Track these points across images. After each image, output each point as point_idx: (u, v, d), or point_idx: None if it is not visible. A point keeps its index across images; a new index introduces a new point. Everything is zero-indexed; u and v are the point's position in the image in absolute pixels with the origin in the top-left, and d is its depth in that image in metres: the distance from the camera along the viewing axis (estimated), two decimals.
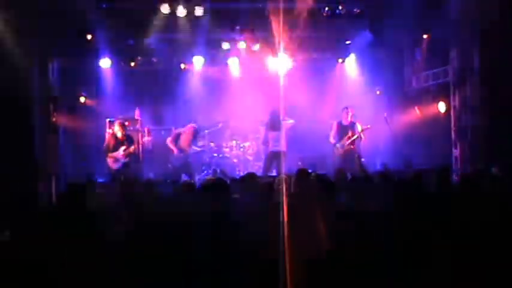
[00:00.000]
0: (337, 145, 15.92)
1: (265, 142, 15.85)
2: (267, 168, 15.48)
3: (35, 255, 5.94)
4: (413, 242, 5.38)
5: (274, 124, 15.66)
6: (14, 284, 5.68)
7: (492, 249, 5.40)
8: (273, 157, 15.56)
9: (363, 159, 15.35)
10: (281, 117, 15.58)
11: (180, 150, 15.95)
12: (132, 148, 15.15)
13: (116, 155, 14.96)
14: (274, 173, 14.89)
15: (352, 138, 15.83)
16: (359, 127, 15.87)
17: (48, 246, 6.27)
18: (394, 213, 5.67)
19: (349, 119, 16.01)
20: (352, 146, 15.90)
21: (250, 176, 9.70)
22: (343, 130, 16.01)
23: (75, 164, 17.03)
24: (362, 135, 15.81)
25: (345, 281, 5.46)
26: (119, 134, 15.06)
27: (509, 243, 5.56)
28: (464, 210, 6.08)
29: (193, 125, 16.44)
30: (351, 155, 15.71)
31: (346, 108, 16.16)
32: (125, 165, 15.03)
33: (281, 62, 18.26)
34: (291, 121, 15.89)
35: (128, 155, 15.05)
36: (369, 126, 15.96)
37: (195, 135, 16.35)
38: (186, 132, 16.20)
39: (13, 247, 6.21)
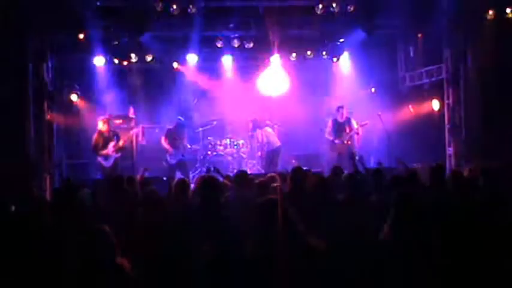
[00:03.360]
0: (336, 141, 16.10)
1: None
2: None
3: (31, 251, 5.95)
4: (410, 240, 5.40)
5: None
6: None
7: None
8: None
9: (357, 157, 15.45)
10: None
11: (175, 149, 15.99)
12: (121, 142, 15.19)
13: (106, 152, 15.00)
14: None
15: (350, 134, 16.14)
16: (354, 123, 16.18)
17: (43, 242, 6.28)
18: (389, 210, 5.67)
19: (344, 115, 16.28)
20: (349, 142, 16.08)
21: (242, 174, 9.72)
22: (340, 126, 16.33)
23: (69, 161, 17.01)
24: (359, 131, 16.04)
25: (340, 278, 5.48)
26: (104, 130, 15.12)
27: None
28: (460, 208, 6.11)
29: (180, 118, 16.43)
30: (347, 152, 15.83)
31: (341, 107, 16.45)
32: (116, 161, 15.06)
33: (275, 60, 18.32)
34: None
35: (118, 150, 15.12)
36: (367, 122, 16.18)
37: (182, 130, 16.32)
38: (176, 128, 16.21)
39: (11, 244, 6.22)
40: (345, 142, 16.21)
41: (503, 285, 5.38)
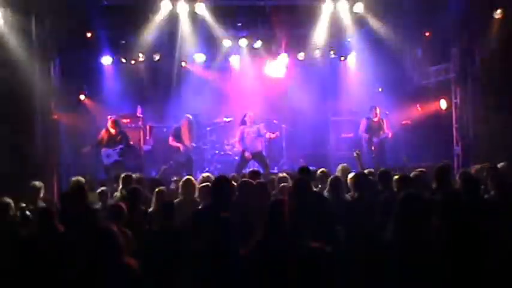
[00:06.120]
0: (374, 139, 16.22)
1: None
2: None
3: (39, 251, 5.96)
4: (414, 239, 5.38)
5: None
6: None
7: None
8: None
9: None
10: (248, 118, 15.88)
11: (185, 146, 15.90)
12: (127, 145, 15.24)
13: (110, 152, 15.01)
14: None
15: (385, 134, 16.29)
16: (385, 124, 16.41)
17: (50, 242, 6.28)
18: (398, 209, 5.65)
19: (377, 115, 16.45)
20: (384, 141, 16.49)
21: (254, 174, 9.73)
22: (375, 126, 16.44)
23: (76, 161, 17.02)
24: (389, 134, 16.35)
25: (347, 278, 5.47)
26: (112, 131, 15.13)
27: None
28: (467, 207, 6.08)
29: (188, 115, 16.31)
30: (382, 150, 16.28)
31: (374, 107, 16.54)
32: (117, 162, 15.05)
33: (282, 61, 18.32)
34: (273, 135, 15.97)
35: (122, 153, 15.12)
36: (408, 121, 16.30)
37: (190, 128, 16.20)
38: (183, 126, 16.10)
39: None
40: (382, 140, 16.37)
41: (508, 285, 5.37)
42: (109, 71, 17.97)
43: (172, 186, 11.84)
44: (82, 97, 17.55)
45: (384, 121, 16.39)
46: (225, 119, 18.32)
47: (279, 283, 5.02)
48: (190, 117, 16.18)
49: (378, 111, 16.40)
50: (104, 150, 15.12)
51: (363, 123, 16.57)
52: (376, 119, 16.38)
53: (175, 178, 12.96)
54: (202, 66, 18.50)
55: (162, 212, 7.58)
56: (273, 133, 15.89)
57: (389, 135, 16.26)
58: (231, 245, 5.71)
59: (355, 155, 12.61)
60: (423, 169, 9.92)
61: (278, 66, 18.75)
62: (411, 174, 9.17)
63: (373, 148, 16.26)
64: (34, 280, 5.92)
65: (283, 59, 18.35)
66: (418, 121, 17.42)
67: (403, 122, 16.67)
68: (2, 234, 7.14)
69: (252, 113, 15.87)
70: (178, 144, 15.85)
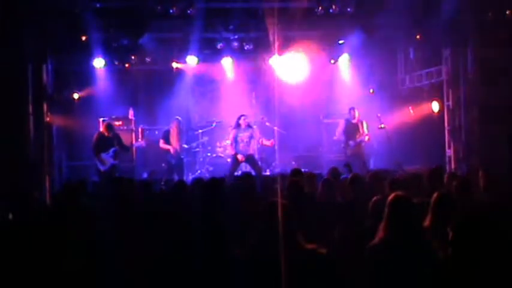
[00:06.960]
0: (350, 142, 16.06)
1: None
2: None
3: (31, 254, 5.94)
4: (405, 242, 5.40)
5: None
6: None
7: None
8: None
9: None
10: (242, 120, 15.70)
11: (175, 148, 15.88)
12: (121, 147, 15.22)
13: (104, 157, 14.96)
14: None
15: (363, 137, 16.11)
16: (365, 126, 16.19)
17: (43, 244, 6.27)
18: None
19: (356, 117, 16.27)
20: (362, 144, 16.28)
21: (246, 176, 9.74)
22: (352, 128, 16.25)
23: (69, 163, 17.02)
24: (366, 138, 16.04)
25: (342, 280, 5.48)
26: (105, 135, 15.11)
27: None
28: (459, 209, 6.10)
29: (177, 118, 16.29)
30: (359, 154, 16.01)
31: (353, 108, 16.40)
32: (112, 166, 15.03)
33: (275, 62, 18.31)
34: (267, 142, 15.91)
35: (116, 157, 15.09)
36: (385, 125, 16.08)
37: (179, 130, 16.15)
38: (172, 129, 16.08)
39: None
40: (359, 144, 16.17)
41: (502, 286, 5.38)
42: (101, 74, 17.94)
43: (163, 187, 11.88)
44: (75, 99, 17.54)
45: (364, 123, 16.24)
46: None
47: (274, 286, 5.03)
48: (180, 119, 16.20)
49: (356, 113, 16.28)
50: (98, 157, 15.08)
51: (341, 125, 16.51)
52: (354, 121, 16.27)
53: (162, 182, 13.01)
54: (194, 69, 18.47)
55: (152, 214, 7.58)
56: (268, 140, 15.86)
57: (367, 139, 16.11)
58: (225, 247, 5.72)
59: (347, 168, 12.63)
60: (415, 172, 9.95)
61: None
62: (403, 177, 9.18)
63: (348, 152, 16.15)
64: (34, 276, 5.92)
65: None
66: (411, 123, 17.42)
67: (380, 126, 16.22)
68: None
69: (247, 117, 15.83)
70: (169, 147, 15.84)
